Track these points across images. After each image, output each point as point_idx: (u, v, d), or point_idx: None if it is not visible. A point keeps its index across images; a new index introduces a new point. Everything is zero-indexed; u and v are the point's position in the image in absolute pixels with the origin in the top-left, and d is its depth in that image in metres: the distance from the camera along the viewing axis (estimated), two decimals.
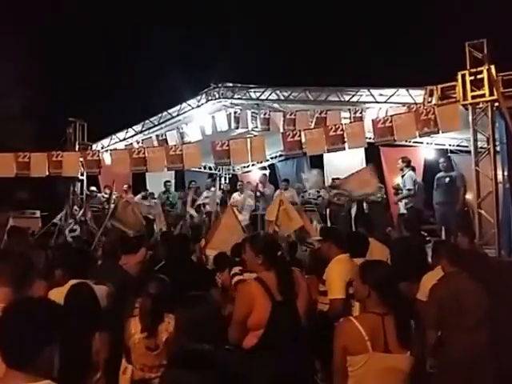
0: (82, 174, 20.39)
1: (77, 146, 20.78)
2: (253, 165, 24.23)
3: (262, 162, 23.33)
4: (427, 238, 13.31)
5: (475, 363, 5.76)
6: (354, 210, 17.76)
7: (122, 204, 14.36)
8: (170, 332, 5.64)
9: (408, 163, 16.34)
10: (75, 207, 20.26)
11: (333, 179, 18.60)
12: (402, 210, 16.27)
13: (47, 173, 17.71)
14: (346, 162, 19.49)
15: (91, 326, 5.30)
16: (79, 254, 7.62)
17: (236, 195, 19.73)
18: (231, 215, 12.87)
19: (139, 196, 20.93)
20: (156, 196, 20.95)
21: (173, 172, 22.05)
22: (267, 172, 22.88)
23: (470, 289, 6.17)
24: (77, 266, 6.64)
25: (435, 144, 19.11)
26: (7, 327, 3.17)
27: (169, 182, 21.17)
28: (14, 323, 3.17)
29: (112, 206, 18.36)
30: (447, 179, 15.68)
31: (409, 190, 15.87)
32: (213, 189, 20.69)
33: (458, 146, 18.93)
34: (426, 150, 19.09)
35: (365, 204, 16.98)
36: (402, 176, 16.19)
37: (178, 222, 19.51)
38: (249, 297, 5.30)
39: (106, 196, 19.40)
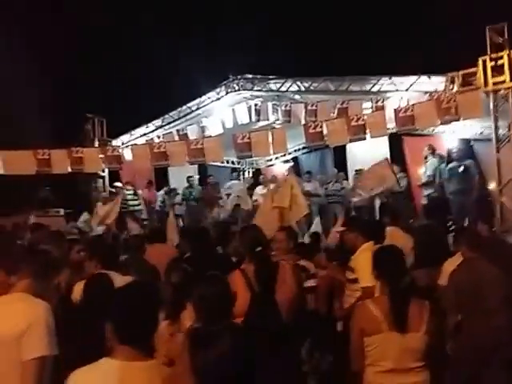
0: (104, 171, 20.33)
1: (96, 143, 20.64)
2: (276, 158, 24.14)
3: (284, 155, 23.22)
4: (450, 226, 13.19)
5: (494, 347, 5.71)
6: (377, 201, 17.68)
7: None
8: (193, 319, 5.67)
9: (433, 151, 16.37)
10: (99, 203, 20.32)
11: (356, 171, 18.55)
12: (423, 199, 16.21)
13: (69, 169, 17.60)
14: (369, 153, 19.36)
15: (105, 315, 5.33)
16: (109, 246, 7.78)
17: (259, 189, 19.64)
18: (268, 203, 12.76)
19: (162, 192, 20.95)
20: (179, 191, 20.96)
21: (196, 167, 22.06)
22: (291, 165, 22.77)
23: (489, 274, 6.10)
24: (106, 258, 6.93)
25: (458, 132, 18.95)
26: (126, 305, 3.50)
27: (191, 177, 20.96)
28: (134, 302, 3.50)
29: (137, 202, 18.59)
30: (461, 168, 15.57)
31: (428, 176, 15.82)
32: (234, 181, 20.71)
33: (480, 133, 18.77)
34: (449, 139, 18.91)
35: (389, 195, 16.92)
36: (425, 164, 16.16)
37: (202, 217, 19.61)
38: (233, 286, 5.36)
39: (129, 192, 19.43)
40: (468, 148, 18.06)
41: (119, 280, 5.95)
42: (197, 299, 4.88)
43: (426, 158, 16.41)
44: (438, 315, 5.13)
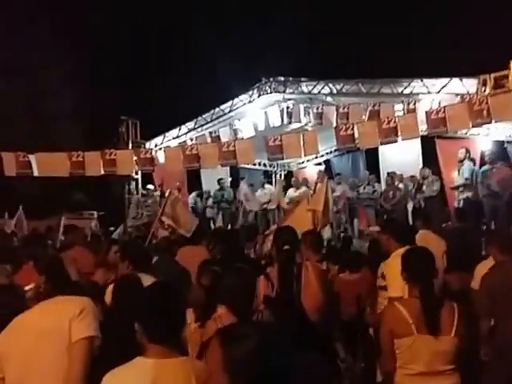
0: (137, 173, 20.46)
1: (130, 145, 20.77)
2: (308, 161, 24.14)
3: (316, 158, 23.20)
4: (483, 229, 13.16)
5: None
6: (410, 205, 17.63)
7: (171, 200, 14.31)
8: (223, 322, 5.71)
9: (468, 154, 16.30)
10: (132, 205, 20.45)
11: (388, 173, 18.49)
12: (458, 203, 16.12)
13: (102, 171, 17.68)
14: (402, 156, 19.36)
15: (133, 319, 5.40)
16: (140, 247, 7.89)
17: (291, 191, 19.66)
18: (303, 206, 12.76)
19: (194, 194, 21.07)
20: (212, 194, 21.06)
21: (227, 169, 22.18)
22: (322, 167, 22.78)
23: None
24: (138, 260, 7.00)
25: (492, 135, 18.82)
26: (151, 305, 3.63)
27: (222, 179, 21.13)
28: (158, 302, 3.63)
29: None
30: (494, 171, 15.46)
31: (466, 179, 15.76)
32: (267, 186, 20.74)
33: None
34: (482, 142, 18.79)
35: (421, 198, 16.87)
36: (461, 167, 16.11)
37: (234, 220, 19.71)
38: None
39: (156, 194, 19.60)
40: (502, 150, 17.95)
41: (150, 282, 6.04)
42: (225, 290, 4.99)
43: (460, 161, 16.34)
44: (469, 318, 5.07)
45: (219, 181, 21.03)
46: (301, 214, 12.25)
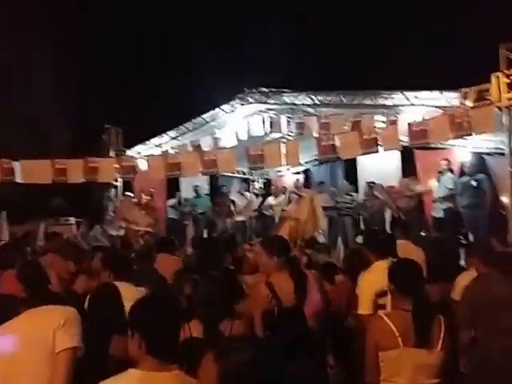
0: (117, 180, 20.50)
1: (112, 152, 20.81)
2: (287, 169, 24.23)
3: (295, 167, 23.33)
4: (461, 240, 13.26)
5: (507, 365, 5.73)
6: (387, 214, 17.74)
7: (124, 204, 14.32)
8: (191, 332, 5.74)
9: (449, 165, 16.54)
10: (110, 212, 20.50)
11: (367, 183, 18.62)
12: (438, 213, 16.24)
13: (83, 179, 17.80)
14: (380, 166, 19.46)
15: (110, 327, 5.42)
16: (122, 256, 7.89)
17: (271, 199, 19.74)
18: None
19: (172, 201, 21.16)
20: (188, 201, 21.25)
21: (207, 177, 22.23)
22: (301, 177, 22.90)
23: (504, 290, 6.14)
24: (119, 268, 6.92)
25: (471, 147, 18.97)
26: (156, 316, 3.56)
27: (198, 186, 21.34)
28: (163, 313, 3.62)
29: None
30: (473, 182, 15.66)
31: (450, 189, 15.91)
32: (247, 193, 20.84)
33: (493, 148, 18.80)
34: (461, 153, 18.94)
35: (401, 208, 16.99)
36: (441, 177, 16.26)
37: (209, 227, 19.79)
38: (257, 299, 5.64)
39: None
40: (480, 162, 18.11)
41: (132, 290, 6.12)
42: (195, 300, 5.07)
43: (441, 172, 16.50)
44: (452, 330, 5.07)
45: (195, 188, 21.23)
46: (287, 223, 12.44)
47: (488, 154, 18.24)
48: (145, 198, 19.60)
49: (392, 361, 4.70)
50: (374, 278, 6.50)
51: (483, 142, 17.96)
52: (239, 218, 20.05)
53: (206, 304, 5.26)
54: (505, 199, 15.58)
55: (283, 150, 16.22)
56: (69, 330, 4.47)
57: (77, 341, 4.48)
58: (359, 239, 11.15)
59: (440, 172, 16.61)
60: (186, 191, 21.79)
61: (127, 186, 20.98)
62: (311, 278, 6.33)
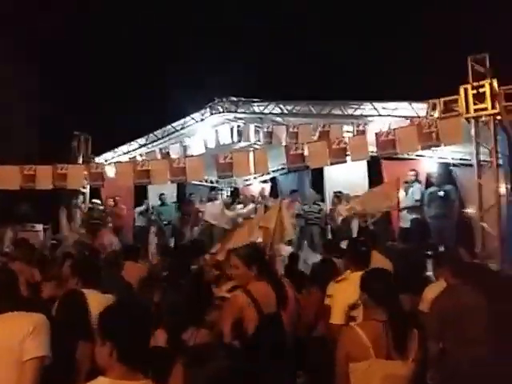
0: (85, 187, 20.46)
1: (80, 159, 20.79)
2: (254, 178, 24.33)
3: (262, 175, 23.40)
4: (428, 252, 13.33)
5: (477, 376, 5.75)
6: (354, 223, 17.82)
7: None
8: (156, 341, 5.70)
9: (417, 176, 16.58)
10: (77, 219, 20.42)
11: (335, 193, 18.69)
12: (405, 223, 16.33)
13: (52, 185, 17.75)
14: (347, 176, 19.56)
15: (76, 335, 5.39)
16: (90, 263, 7.84)
17: (239, 207, 19.73)
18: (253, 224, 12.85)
19: (139, 209, 21.12)
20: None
21: (175, 185, 22.24)
22: (268, 185, 22.99)
23: (473, 301, 6.15)
24: (87, 275, 6.88)
25: (437, 157, 19.12)
26: (123, 323, 3.54)
27: (163, 194, 21.27)
28: (130, 321, 3.57)
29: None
30: (441, 193, 15.77)
31: (417, 200, 16.01)
32: (216, 201, 20.82)
33: (460, 159, 18.95)
34: (428, 164, 19.07)
35: (369, 217, 17.06)
36: (409, 188, 16.34)
37: (175, 236, 19.78)
38: (236, 309, 5.46)
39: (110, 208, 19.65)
40: (447, 173, 18.26)
41: (98, 298, 6.09)
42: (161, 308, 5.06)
43: (407, 182, 16.58)
44: (423, 343, 4.94)
45: (160, 196, 21.19)
46: (251, 231, 12.38)
47: (455, 164, 18.41)
48: (110, 204, 19.63)
49: (362, 372, 4.64)
50: (351, 288, 6.42)
51: (450, 153, 18.14)
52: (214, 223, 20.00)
53: (171, 313, 5.22)
54: (471, 210, 15.75)
55: (252, 158, 16.21)
56: (37, 338, 4.44)
57: (44, 349, 4.45)
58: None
59: (407, 182, 16.68)
60: (155, 199, 21.71)
61: (95, 192, 20.93)
62: (287, 287, 6.33)
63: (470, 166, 15.02)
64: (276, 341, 5.56)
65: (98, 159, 21.33)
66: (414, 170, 17.05)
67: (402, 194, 16.79)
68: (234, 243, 11.63)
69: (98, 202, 20.47)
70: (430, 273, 10.12)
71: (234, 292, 5.86)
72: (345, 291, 6.54)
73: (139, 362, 3.48)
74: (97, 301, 5.75)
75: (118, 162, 20.10)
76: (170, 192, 22.43)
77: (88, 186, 20.33)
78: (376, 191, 15.62)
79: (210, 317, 6.24)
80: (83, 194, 21.02)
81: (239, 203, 20.16)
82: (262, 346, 5.30)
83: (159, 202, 21.26)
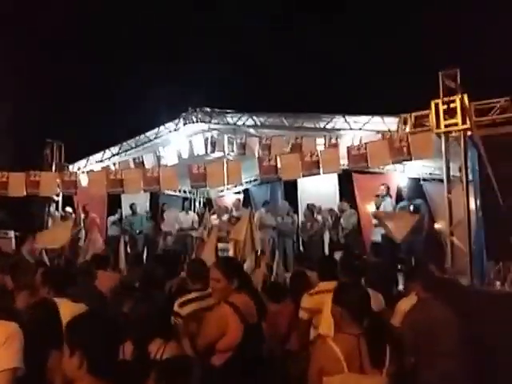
0: (58, 195, 20.40)
1: (53, 167, 20.65)
2: (227, 189, 24.40)
3: (235, 186, 23.50)
4: (398, 267, 13.46)
5: None
6: (326, 236, 17.96)
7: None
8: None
9: (388, 190, 16.75)
10: (50, 227, 20.35)
11: (307, 205, 18.79)
12: (377, 237, 16.48)
13: (25, 192, 17.70)
14: (319, 188, 19.75)
15: (48, 344, 5.40)
16: (61, 272, 7.85)
17: (213, 218, 19.77)
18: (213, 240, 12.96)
19: (112, 218, 21.13)
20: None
21: (147, 195, 22.31)
22: (241, 196, 23.06)
23: (444, 315, 6.20)
24: (58, 284, 6.87)
25: (408, 172, 19.31)
26: (94, 333, 3.53)
27: (134, 204, 21.20)
28: (97, 331, 3.55)
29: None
30: (411, 207, 15.86)
31: None
32: (190, 212, 20.90)
33: (430, 173, 19.16)
34: (398, 178, 19.25)
35: (340, 230, 17.19)
36: (380, 202, 16.47)
37: (147, 245, 19.80)
38: (222, 323, 5.40)
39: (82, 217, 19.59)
40: (418, 187, 18.47)
41: (71, 307, 6.06)
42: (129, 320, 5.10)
43: (379, 196, 16.72)
44: (395, 357, 4.91)
45: (131, 206, 21.16)
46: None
47: (425, 179, 18.63)
48: (81, 213, 19.61)
49: None
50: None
51: (420, 168, 18.34)
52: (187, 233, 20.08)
53: (139, 323, 5.20)
54: (440, 225, 15.93)
55: (225, 169, 16.28)
56: (9, 349, 4.36)
57: (17, 360, 4.36)
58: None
59: (377, 196, 16.84)
60: (128, 209, 21.68)
61: (67, 200, 20.89)
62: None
63: (440, 180, 15.21)
64: (257, 352, 5.65)
65: (71, 167, 21.22)
66: (384, 184, 17.21)
67: (372, 207, 16.99)
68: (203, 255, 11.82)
69: (70, 210, 20.47)
70: (400, 287, 10.25)
71: (220, 304, 5.69)
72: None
73: (109, 373, 3.46)
74: (69, 309, 5.68)
75: (91, 170, 20.01)
76: (143, 202, 22.46)
77: (61, 194, 20.24)
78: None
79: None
80: (56, 201, 20.93)
81: (213, 214, 20.16)
82: (246, 356, 5.36)
83: (130, 212, 21.24)
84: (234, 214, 19.44)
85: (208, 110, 18.78)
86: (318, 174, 15.40)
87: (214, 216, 19.74)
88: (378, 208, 16.64)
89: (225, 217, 19.63)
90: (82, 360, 3.41)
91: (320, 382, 4.71)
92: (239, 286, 5.70)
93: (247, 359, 5.35)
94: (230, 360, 5.30)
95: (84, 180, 18.34)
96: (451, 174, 13.77)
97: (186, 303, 6.83)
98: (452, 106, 13.33)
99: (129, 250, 19.62)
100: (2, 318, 4.70)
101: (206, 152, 18.58)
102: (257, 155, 17.01)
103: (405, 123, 14.53)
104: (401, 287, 10.10)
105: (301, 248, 18.68)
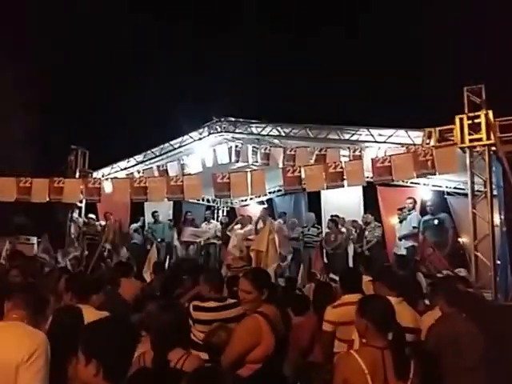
0: (81, 202, 20.45)
1: (77, 174, 20.79)
2: (251, 198, 24.40)
3: (259, 196, 23.49)
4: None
5: None
6: (350, 248, 17.91)
7: (113, 227, 14.22)
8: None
9: (415, 204, 16.76)
10: (73, 233, 20.43)
11: (331, 216, 18.75)
12: (401, 250, 16.49)
13: (48, 198, 17.75)
14: (343, 200, 19.70)
15: (70, 352, 5.36)
16: (84, 279, 7.88)
17: (237, 227, 19.74)
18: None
19: (134, 226, 21.18)
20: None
21: (171, 203, 22.36)
22: (265, 206, 23.01)
23: (468, 330, 6.20)
24: (81, 291, 6.90)
25: (432, 185, 19.27)
26: (106, 341, 3.48)
27: (156, 212, 21.24)
28: (127, 339, 3.56)
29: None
30: (436, 221, 15.92)
31: (414, 227, 16.12)
32: (212, 221, 20.91)
33: (454, 188, 19.11)
34: (422, 191, 19.20)
35: (364, 243, 17.15)
36: (406, 216, 16.45)
37: (168, 253, 19.80)
38: (257, 332, 5.36)
39: (104, 224, 19.67)
40: (442, 200, 18.43)
41: (92, 314, 5.97)
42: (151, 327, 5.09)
43: (401, 209, 16.72)
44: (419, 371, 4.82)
45: (153, 214, 21.19)
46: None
47: (449, 193, 18.58)
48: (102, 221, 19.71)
49: None
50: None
51: (444, 182, 18.28)
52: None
53: (160, 331, 5.13)
54: (464, 239, 15.86)
55: (249, 179, 16.27)
56: (33, 366, 4.32)
57: (41, 379, 4.34)
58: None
59: (400, 210, 16.83)
60: (150, 216, 21.75)
61: (90, 207, 20.99)
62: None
63: (465, 195, 15.19)
64: (281, 365, 5.64)
65: (95, 174, 21.34)
66: (411, 197, 17.22)
67: (394, 220, 16.97)
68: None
69: (94, 217, 20.55)
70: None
71: (251, 314, 5.63)
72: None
73: (122, 379, 3.47)
74: (92, 317, 5.71)
75: (115, 177, 20.04)
76: (166, 210, 22.49)
77: (84, 201, 20.30)
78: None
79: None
80: (79, 208, 21.02)
81: (237, 223, 20.12)
82: (274, 369, 5.36)
83: (152, 220, 21.27)
84: (261, 224, 19.33)
85: (232, 119, 18.89)
86: (343, 186, 15.36)
87: (238, 226, 19.68)
88: (401, 222, 16.63)
89: (248, 227, 19.58)
90: (98, 367, 3.41)
91: None
92: (268, 297, 5.66)
93: (275, 372, 5.34)
94: (259, 372, 5.26)
95: (107, 187, 18.30)
96: (475, 188, 13.71)
97: (202, 310, 6.96)
98: (477, 121, 13.31)
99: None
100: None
101: (230, 161, 18.62)
102: (281, 165, 17.00)
103: (429, 137, 14.46)
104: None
105: (325, 259, 18.61)
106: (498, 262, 12.96)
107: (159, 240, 20.52)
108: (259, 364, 5.29)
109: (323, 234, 18.84)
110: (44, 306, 5.22)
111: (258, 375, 5.24)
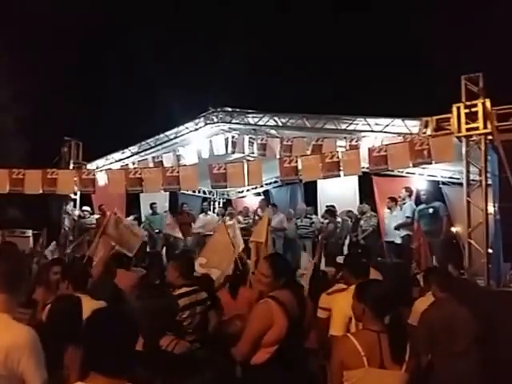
0: (76, 194, 20.41)
1: (71, 165, 20.70)
2: (247, 190, 24.42)
3: (256, 188, 23.48)
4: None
5: None
6: (346, 238, 17.92)
7: (113, 220, 14.12)
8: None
9: (410, 193, 16.87)
10: (66, 225, 20.38)
11: (327, 206, 18.76)
12: (392, 237, 16.54)
13: (41, 190, 17.69)
14: (339, 190, 19.69)
15: (66, 340, 5.32)
16: (81, 269, 7.86)
17: (227, 220, 19.69)
18: (224, 233, 12.89)
19: (131, 218, 21.10)
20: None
21: (167, 195, 22.31)
22: (262, 198, 22.96)
23: (460, 314, 6.24)
24: (78, 281, 6.97)
25: (427, 175, 19.27)
26: (97, 333, 3.36)
27: (155, 203, 21.18)
28: (103, 330, 3.36)
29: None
30: (430, 210, 15.90)
31: (407, 217, 16.12)
32: (209, 213, 20.87)
33: (449, 177, 19.09)
34: (418, 181, 19.18)
35: (359, 232, 17.14)
36: (401, 205, 16.46)
37: (166, 245, 19.74)
38: (268, 315, 5.36)
39: (98, 216, 19.60)
40: (437, 190, 18.42)
41: (89, 304, 5.93)
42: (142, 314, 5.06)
43: (393, 198, 16.73)
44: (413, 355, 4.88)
45: (151, 205, 21.13)
46: (221, 239, 12.50)
47: (444, 182, 18.57)
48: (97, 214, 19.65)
49: (356, 380, 4.66)
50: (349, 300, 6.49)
51: (439, 171, 18.27)
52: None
53: (149, 318, 5.03)
54: (458, 228, 15.88)
55: (246, 170, 16.26)
56: (31, 360, 3.95)
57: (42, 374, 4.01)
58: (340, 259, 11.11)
59: (390, 198, 16.90)
60: (146, 208, 21.77)
61: (85, 199, 20.96)
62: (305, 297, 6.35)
63: (459, 184, 15.19)
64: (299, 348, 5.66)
65: (89, 166, 21.21)
66: (407, 187, 17.24)
67: (389, 211, 16.98)
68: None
69: (89, 209, 20.50)
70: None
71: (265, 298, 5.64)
72: (347, 302, 6.53)
73: (114, 371, 3.27)
74: (90, 307, 5.70)
75: (109, 169, 19.88)
76: (162, 201, 22.39)
77: (78, 193, 20.27)
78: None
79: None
80: (73, 200, 21.00)
81: (227, 216, 20.01)
82: (290, 351, 5.38)
83: (150, 211, 21.23)
84: (260, 214, 19.23)
85: (229, 109, 18.82)
86: (339, 175, 15.38)
87: (228, 217, 19.52)
88: (390, 210, 16.67)
89: (240, 218, 19.54)
90: (82, 355, 3.38)
91: (341, 376, 4.76)
92: (284, 284, 5.66)
93: (291, 354, 5.35)
94: (275, 354, 5.31)
95: (101, 179, 18.22)
96: (471, 177, 13.70)
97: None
98: (474, 110, 13.28)
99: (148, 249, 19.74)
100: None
101: (226, 152, 18.62)
102: (278, 156, 16.98)
103: (426, 126, 14.43)
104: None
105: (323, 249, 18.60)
106: (491, 250, 12.97)
107: (157, 231, 20.58)
108: (274, 346, 5.32)
109: (316, 224, 18.79)
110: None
111: (275, 358, 5.29)
